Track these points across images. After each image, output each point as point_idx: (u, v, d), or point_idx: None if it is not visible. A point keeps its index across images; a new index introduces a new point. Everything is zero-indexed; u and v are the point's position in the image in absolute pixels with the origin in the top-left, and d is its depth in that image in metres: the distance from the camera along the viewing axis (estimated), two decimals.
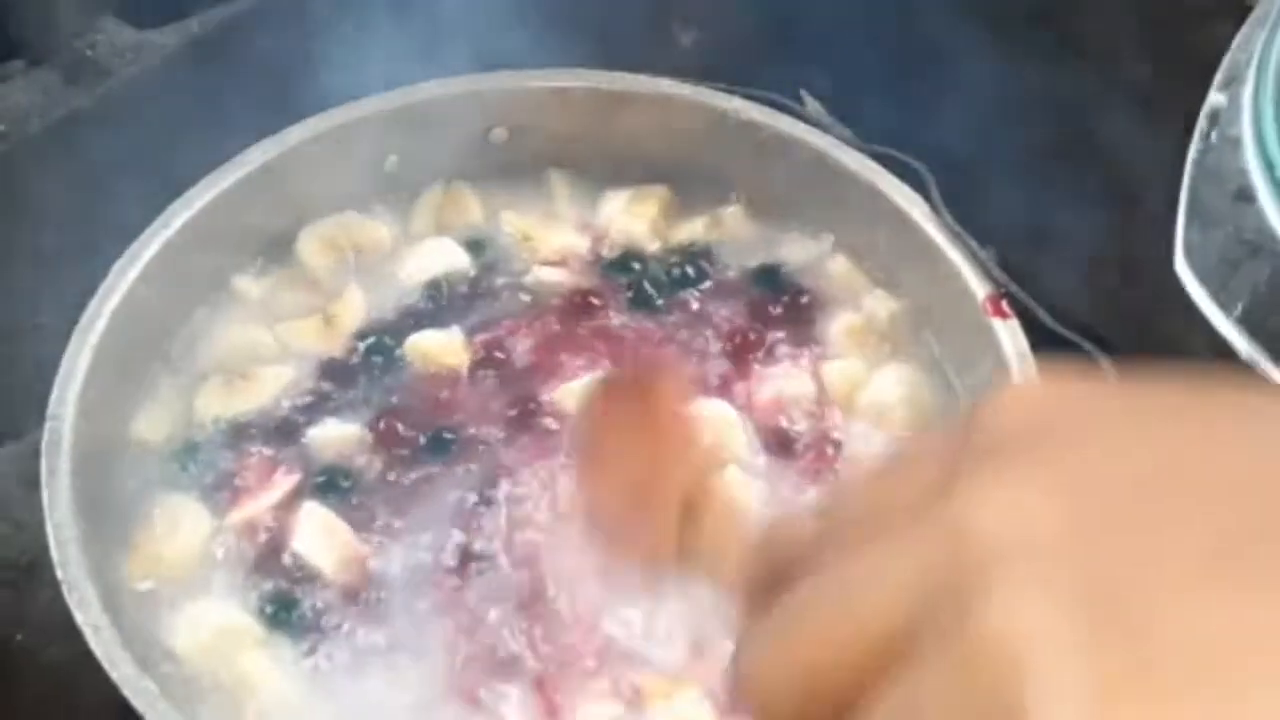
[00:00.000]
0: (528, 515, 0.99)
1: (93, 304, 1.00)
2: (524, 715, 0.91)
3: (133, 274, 1.02)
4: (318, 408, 1.05)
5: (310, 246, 1.14)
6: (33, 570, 1.36)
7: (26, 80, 1.31)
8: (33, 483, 1.20)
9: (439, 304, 1.12)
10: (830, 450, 1.04)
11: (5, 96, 1.37)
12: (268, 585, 0.96)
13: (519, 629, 0.94)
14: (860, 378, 1.08)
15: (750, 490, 1.01)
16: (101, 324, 1.00)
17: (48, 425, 0.94)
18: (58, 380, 0.96)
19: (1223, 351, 1.34)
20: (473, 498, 1.00)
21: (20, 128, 1.41)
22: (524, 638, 0.93)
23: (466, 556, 0.97)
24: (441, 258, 1.14)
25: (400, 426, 1.03)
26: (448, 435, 1.03)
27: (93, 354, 0.98)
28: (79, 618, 0.86)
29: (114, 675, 0.83)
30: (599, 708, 0.91)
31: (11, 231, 1.37)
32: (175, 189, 1.08)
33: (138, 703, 0.82)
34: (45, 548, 0.91)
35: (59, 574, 0.88)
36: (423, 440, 1.03)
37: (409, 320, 1.10)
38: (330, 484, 1.00)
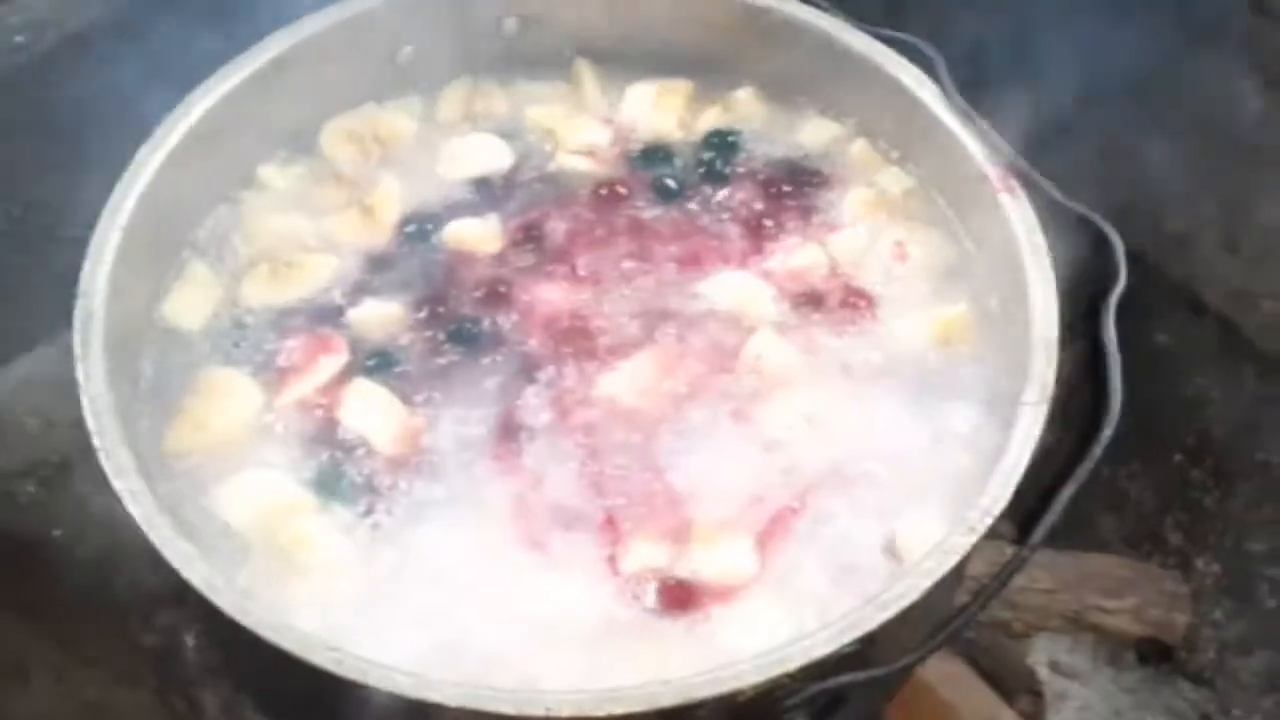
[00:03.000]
0: (574, 386, 1.02)
1: (119, 188, 1.02)
2: (586, 559, 0.93)
3: (157, 159, 1.03)
4: (362, 293, 1.07)
5: (333, 139, 1.15)
6: (67, 468, 1.39)
7: None
8: (63, 384, 1.21)
9: (483, 196, 1.14)
10: (861, 302, 1.07)
11: (24, 9, 1.39)
12: (321, 457, 0.98)
13: (582, 483, 0.97)
14: (870, 244, 1.10)
15: (783, 348, 1.04)
16: (129, 205, 1.01)
17: (79, 302, 0.96)
18: (87, 258, 0.98)
19: (1231, 248, 1.36)
20: (518, 374, 1.02)
21: (39, 38, 1.42)
22: (590, 490, 0.96)
23: (516, 427, 0.99)
24: (487, 153, 1.15)
25: (444, 310, 1.06)
26: (489, 317, 1.05)
27: (122, 235, 1.00)
28: (116, 484, 0.87)
29: (152, 537, 0.85)
30: (652, 547, 0.94)
31: (32, 143, 1.39)
32: None
33: (176, 562, 0.84)
34: (79, 446, 0.92)
35: (95, 442, 0.89)
36: (467, 323, 1.05)
37: (450, 211, 1.12)
38: (381, 365, 1.02)
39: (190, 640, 1.33)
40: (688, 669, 0.82)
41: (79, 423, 0.92)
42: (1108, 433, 0.89)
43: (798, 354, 1.04)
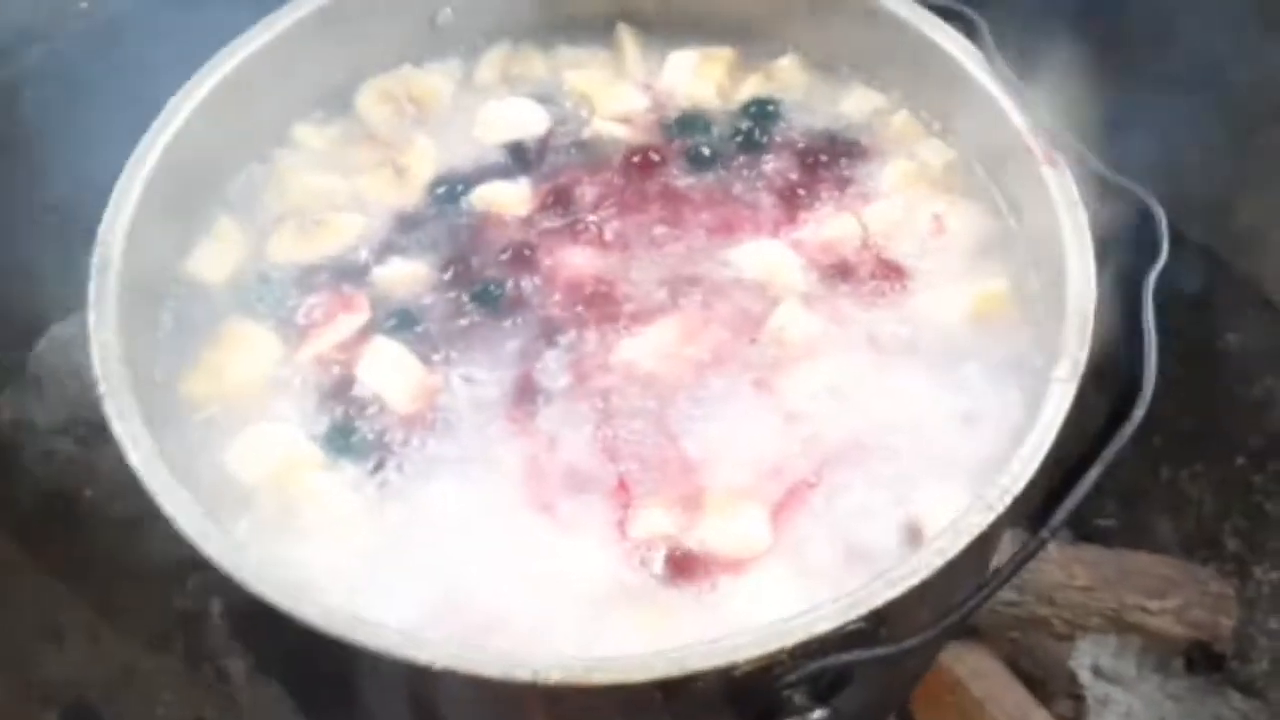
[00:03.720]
0: (594, 351, 1.00)
1: (146, 137, 1.01)
2: (596, 523, 0.92)
3: (186, 110, 1.03)
4: (389, 252, 1.05)
5: (369, 98, 1.14)
6: (102, 428, 1.40)
7: None
8: None
9: (516, 160, 1.12)
10: (892, 274, 1.04)
11: None
12: (335, 413, 0.97)
13: (596, 447, 0.95)
14: (906, 216, 1.07)
15: (809, 319, 1.01)
16: (154, 157, 1.00)
17: (96, 249, 0.95)
18: (108, 208, 0.97)
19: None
20: (538, 337, 1.00)
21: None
22: (603, 454, 0.94)
23: (533, 390, 0.98)
24: (522, 117, 1.13)
25: (469, 271, 1.04)
26: (514, 279, 1.04)
27: (143, 186, 0.99)
28: (116, 428, 0.86)
29: (150, 484, 0.84)
30: (662, 514, 0.92)
31: (61, 107, 1.40)
32: None
33: (171, 510, 0.83)
34: None
35: (100, 387, 0.88)
36: (490, 285, 1.03)
37: (481, 173, 1.10)
38: (401, 323, 1.01)
39: (216, 606, 1.33)
40: (691, 639, 0.79)
41: None
42: (1139, 413, 0.85)
43: (823, 325, 1.01)
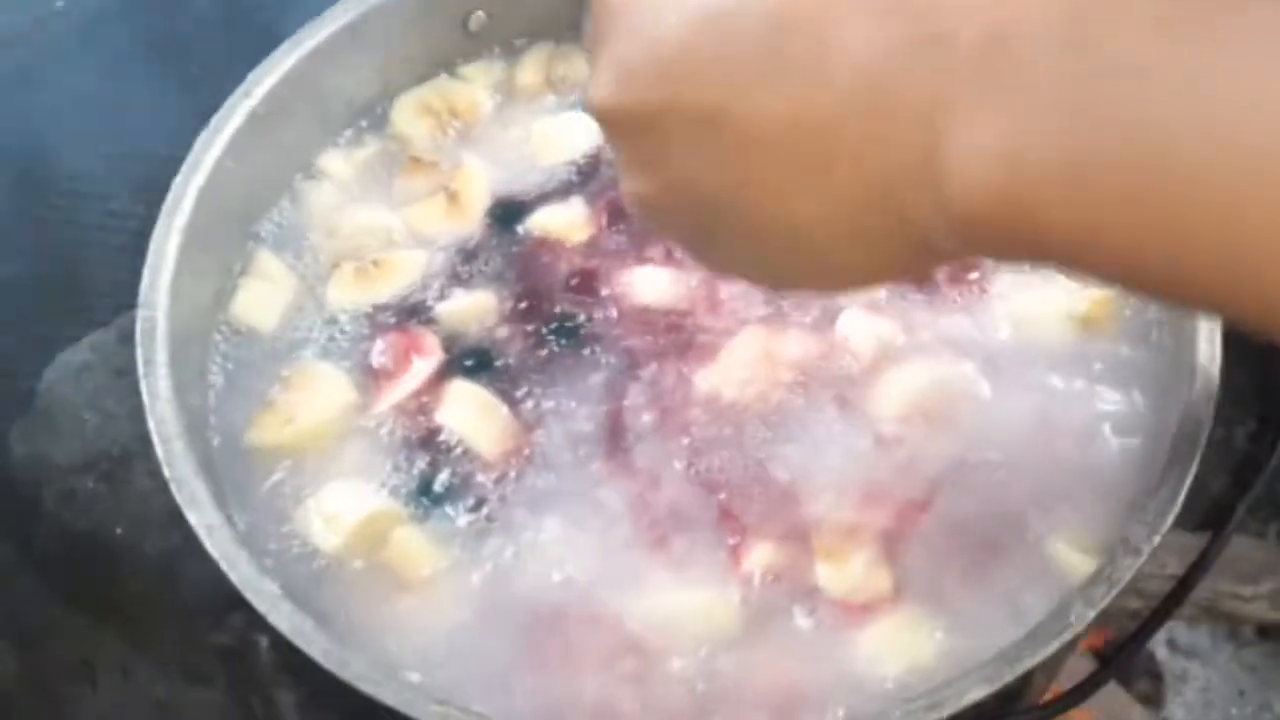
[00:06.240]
0: (672, 385, 0.94)
1: (177, 182, 0.93)
2: (709, 557, 0.87)
3: (218, 148, 0.95)
4: (453, 286, 0.99)
5: (406, 114, 1.07)
6: (128, 461, 1.33)
7: None
8: (121, 371, 1.15)
9: (571, 176, 1.04)
10: (973, 276, 0.98)
11: None
12: (421, 464, 0.91)
13: (695, 481, 0.90)
14: None
15: (873, 328, 0.95)
16: (189, 204, 0.93)
17: (140, 314, 0.88)
18: (147, 266, 0.90)
19: None
20: (617, 371, 0.95)
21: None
22: (700, 489, 0.89)
23: (622, 426, 0.92)
24: (576, 134, 1.06)
25: (538, 302, 0.98)
26: (585, 310, 0.97)
27: (182, 236, 0.92)
28: (191, 519, 0.79)
29: (233, 577, 0.78)
30: (773, 549, 0.87)
31: (72, 117, 1.32)
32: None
33: (260, 605, 0.77)
34: (138, 437, 0.85)
35: (165, 472, 0.81)
36: (565, 315, 0.97)
37: (538, 194, 1.03)
38: (479, 363, 0.95)
39: (264, 641, 1.28)
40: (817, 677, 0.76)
41: (137, 413, 0.85)
42: None
43: (893, 333, 0.95)
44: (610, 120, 0.58)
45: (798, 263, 0.57)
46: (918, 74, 0.49)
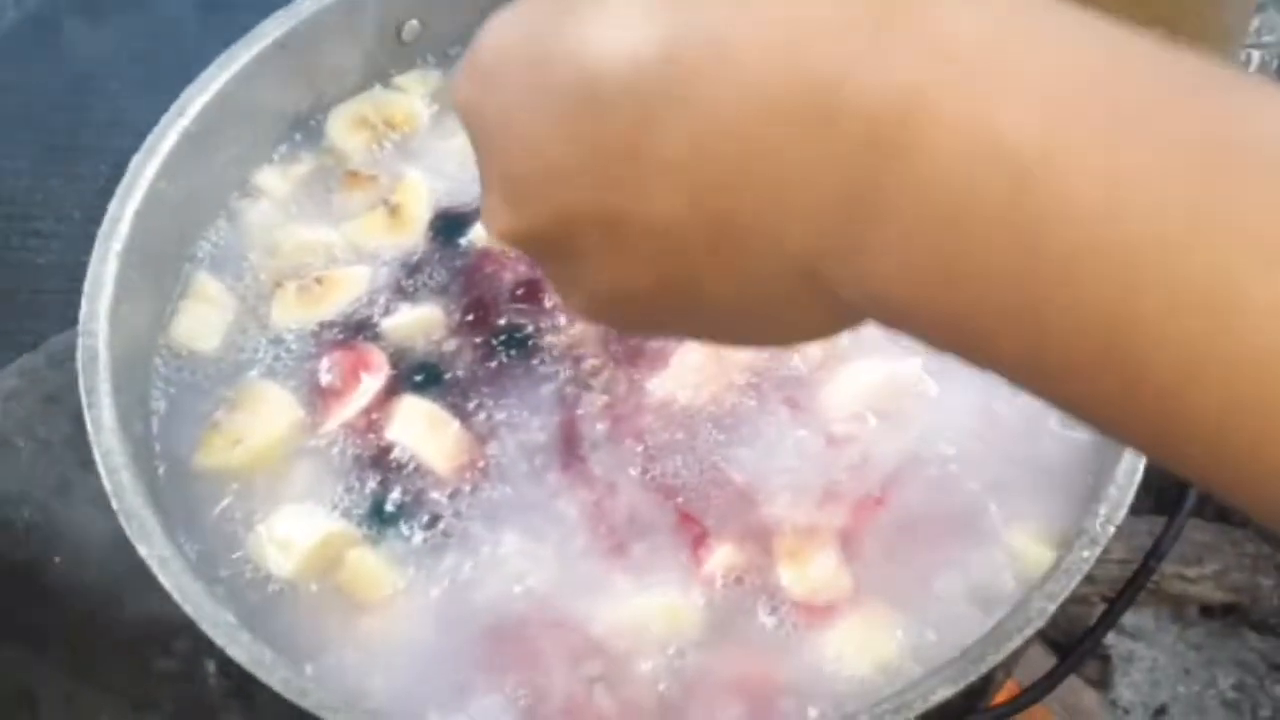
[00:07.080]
0: (625, 392, 0.93)
1: (113, 206, 0.91)
2: (669, 561, 0.86)
3: (151, 170, 0.93)
4: (396, 300, 0.98)
5: (341, 126, 1.05)
6: (66, 489, 1.31)
7: None
8: (53, 398, 1.13)
9: None
10: None
11: None
12: (372, 483, 0.89)
13: (651, 487, 0.89)
14: None
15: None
16: (125, 228, 0.91)
17: (81, 342, 0.86)
18: (85, 293, 0.88)
19: None
20: (568, 380, 0.94)
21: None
22: (657, 494, 0.89)
23: (576, 435, 0.92)
24: None
25: (484, 314, 0.97)
26: (532, 320, 0.97)
27: (119, 261, 0.90)
28: (143, 551, 0.78)
29: (188, 609, 0.77)
30: (734, 552, 0.87)
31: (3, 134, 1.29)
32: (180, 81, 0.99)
33: (217, 637, 0.76)
34: (75, 465, 0.83)
35: (114, 504, 0.80)
36: (511, 329, 0.96)
37: (477, 208, 1.00)
38: (429, 378, 0.94)
39: (212, 665, 1.26)
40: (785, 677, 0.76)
41: (73, 440, 0.84)
42: None
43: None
44: (516, 245, 0.53)
45: (752, 327, 0.53)
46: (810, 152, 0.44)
